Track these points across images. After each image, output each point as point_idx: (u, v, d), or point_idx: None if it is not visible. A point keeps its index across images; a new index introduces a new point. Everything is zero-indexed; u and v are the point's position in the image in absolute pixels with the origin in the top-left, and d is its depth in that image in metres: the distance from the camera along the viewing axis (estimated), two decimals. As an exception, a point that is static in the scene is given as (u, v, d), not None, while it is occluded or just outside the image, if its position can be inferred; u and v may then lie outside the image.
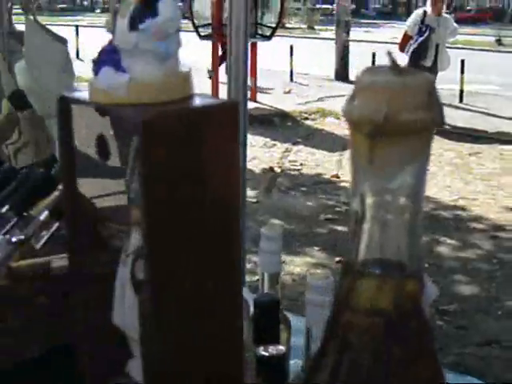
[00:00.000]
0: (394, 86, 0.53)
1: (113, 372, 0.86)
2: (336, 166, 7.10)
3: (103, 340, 0.87)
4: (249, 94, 5.30)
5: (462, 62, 11.16)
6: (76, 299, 0.89)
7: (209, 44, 10.58)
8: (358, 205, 0.56)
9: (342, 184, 6.44)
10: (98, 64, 0.80)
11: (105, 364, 0.87)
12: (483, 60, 16.83)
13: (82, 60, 11.28)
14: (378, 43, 21.45)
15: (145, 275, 0.77)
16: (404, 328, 0.55)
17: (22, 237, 0.97)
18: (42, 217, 1.00)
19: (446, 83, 10.36)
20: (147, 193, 0.74)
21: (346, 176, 6.73)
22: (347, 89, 12.20)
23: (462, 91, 11.42)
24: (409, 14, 53.43)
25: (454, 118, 9.92)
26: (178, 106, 0.79)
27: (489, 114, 10.40)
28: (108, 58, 0.79)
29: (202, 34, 10.76)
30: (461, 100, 11.34)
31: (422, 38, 9.06)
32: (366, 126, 0.53)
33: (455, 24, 9.68)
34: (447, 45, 9.58)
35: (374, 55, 12.95)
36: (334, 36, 14.37)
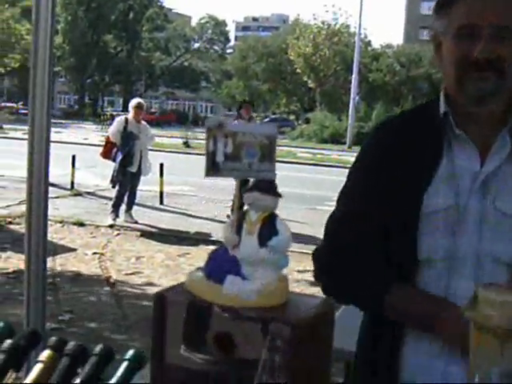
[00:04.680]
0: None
1: None
2: (51, 270, 6.98)
3: None
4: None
5: (161, 165, 11.78)
6: None
7: None
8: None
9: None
10: (218, 271, 0.95)
11: None
12: (174, 162, 17.86)
13: None
14: (73, 144, 21.67)
15: None
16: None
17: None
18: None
19: (146, 185, 10.87)
20: (290, 378, 0.92)
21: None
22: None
23: (161, 193, 12.00)
24: (95, 114, 53.79)
25: (157, 219, 10.41)
26: (303, 306, 0.99)
27: (189, 215, 11.07)
28: (230, 267, 0.94)
29: None
30: (161, 202, 11.90)
31: (128, 147, 9.43)
32: (502, 331, 0.75)
33: (152, 131, 10.31)
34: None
35: (74, 158, 13.09)
36: (24, 136, 14.20)
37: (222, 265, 0.97)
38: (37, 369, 1.07)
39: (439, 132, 1.59)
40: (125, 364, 1.10)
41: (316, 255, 1.72)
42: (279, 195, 1.00)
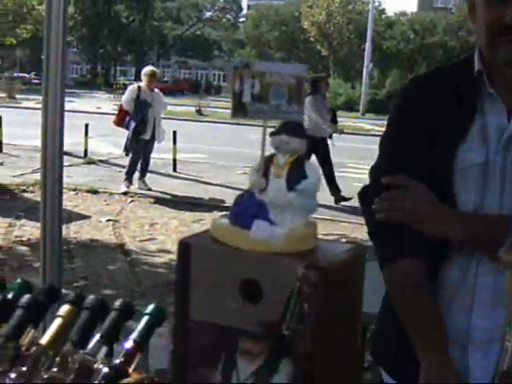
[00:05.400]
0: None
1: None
2: (65, 238, 7.00)
3: None
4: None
5: (174, 132, 11.75)
6: None
7: None
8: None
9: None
10: (244, 216, 0.91)
11: None
12: (187, 129, 17.81)
13: None
14: (86, 113, 21.64)
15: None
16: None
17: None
18: (129, 345, 1.04)
19: (159, 153, 10.84)
20: (319, 326, 0.89)
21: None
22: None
23: (175, 160, 11.99)
24: (107, 84, 53.86)
25: (170, 186, 10.40)
26: (332, 252, 0.95)
27: (202, 182, 11.06)
28: (258, 211, 0.90)
29: None
30: (174, 169, 11.90)
31: (141, 115, 9.38)
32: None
33: (164, 98, 10.26)
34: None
35: (86, 126, 13.08)
36: (36, 105, 14.13)
37: (248, 209, 0.93)
38: (56, 323, 1.04)
39: (474, 89, 1.59)
40: (145, 318, 1.07)
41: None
42: (307, 138, 0.96)
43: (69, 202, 8.79)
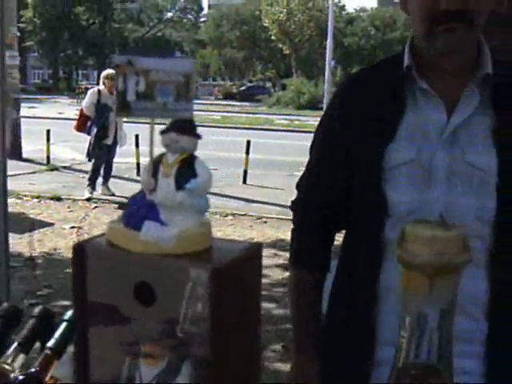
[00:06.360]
0: (447, 238, 0.73)
1: None
2: (29, 246, 6.95)
3: None
4: None
5: (137, 136, 11.69)
6: None
7: None
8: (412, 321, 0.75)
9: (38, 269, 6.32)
10: (135, 217, 0.88)
11: None
12: (149, 133, 17.69)
13: None
14: (48, 119, 21.40)
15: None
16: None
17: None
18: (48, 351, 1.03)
19: (122, 157, 10.78)
20: (214, 327, 0.87)
21: (40, 258, 6.63)
22: (23, 167, 11.92)
23: (138, 164, 11.93)
24: (70, 88, 53.01)
25: (134, 191, 10.29)
26: (227, 251, 0.92)
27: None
28: (147, 212, 0.88)
29: None
30: (138, 173, 11.83)
31: (102, 119, 9.32)
32: (428, 269, 0.71)
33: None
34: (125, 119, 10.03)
35: (48, 132, 12.95)
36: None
37: (139, 210, 0.90)
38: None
39: (402, 86, 1.55)
40: (63, 325, 1.08)
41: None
42: (198, 136, 0.94)
43: (32, 209, 8.72)
